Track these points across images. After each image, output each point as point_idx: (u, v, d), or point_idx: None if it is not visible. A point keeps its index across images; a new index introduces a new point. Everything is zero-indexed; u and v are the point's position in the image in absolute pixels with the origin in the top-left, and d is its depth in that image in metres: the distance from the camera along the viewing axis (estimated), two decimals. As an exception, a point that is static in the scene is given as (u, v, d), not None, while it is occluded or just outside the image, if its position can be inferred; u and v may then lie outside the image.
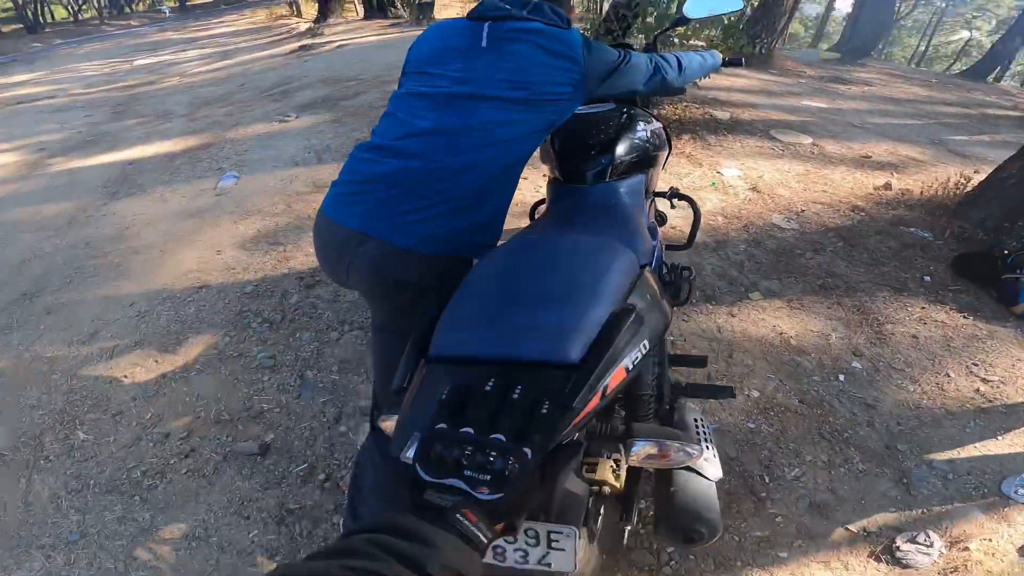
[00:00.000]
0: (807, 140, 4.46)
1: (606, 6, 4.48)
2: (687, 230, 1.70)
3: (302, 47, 9.38)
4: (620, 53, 1.25)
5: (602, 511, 1.05)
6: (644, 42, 4.21)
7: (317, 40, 10.40)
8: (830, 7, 22.91)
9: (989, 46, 13.03)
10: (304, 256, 2.85)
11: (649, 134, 1.48)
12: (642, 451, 0.90)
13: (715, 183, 3.61)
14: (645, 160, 1.45)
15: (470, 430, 0.68)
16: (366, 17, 13.86)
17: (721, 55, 1.61)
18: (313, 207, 3.31)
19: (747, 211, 3.28)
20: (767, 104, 5.47)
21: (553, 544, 0.81)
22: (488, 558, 0.83)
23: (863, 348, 2.34)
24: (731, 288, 2.64)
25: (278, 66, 8.08)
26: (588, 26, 4.36)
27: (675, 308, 1.50)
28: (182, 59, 12.40)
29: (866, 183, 3.74)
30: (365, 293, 1.29)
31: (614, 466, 0.97)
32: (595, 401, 0.76)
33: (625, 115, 1.49)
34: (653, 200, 1.64)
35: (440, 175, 1.13)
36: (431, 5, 10.23)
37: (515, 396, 0.71)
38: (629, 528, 1.07)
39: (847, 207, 3.39)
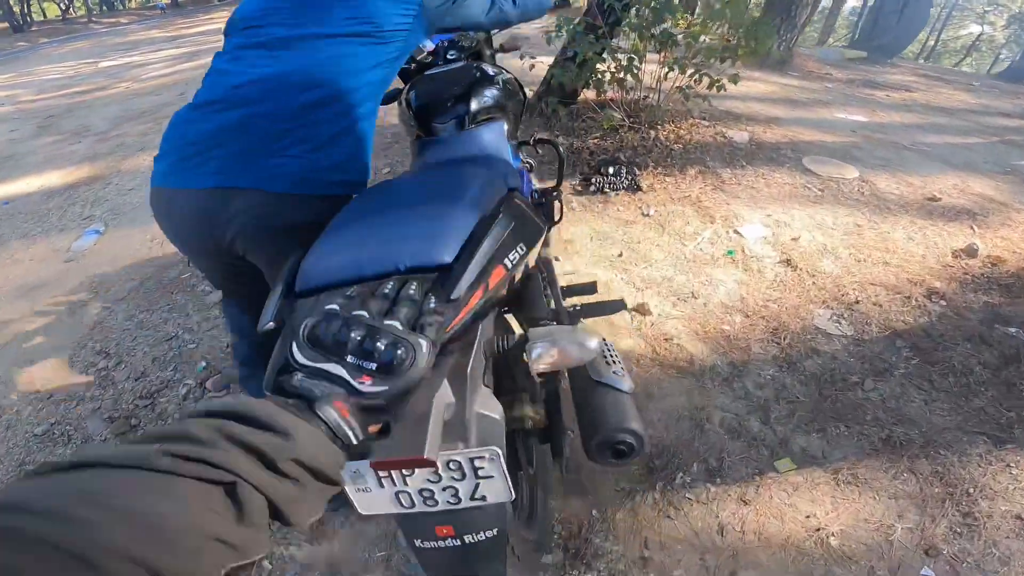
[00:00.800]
0: (852, 173, 3.44)
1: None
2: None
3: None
4: None
5: (534, 450, 1.11)
6: (636, 43, 3.41)
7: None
8: (840, -1, 21.75)
9: (1003, 41, 11.95)
10: (128, 380, 1.97)
11: (502, 83, 1.48)
12: (543, 354, 0.85)
13: (732, 251, 2.63)
14: (502, 107, 1.45)
15: (364, 313, 0.60)
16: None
17: None
18: (169, 287, 2.47)
19: (777, 303, 2.29)
20: (793, 118, 4.50)
21: (480, 472, 0.72)
22: (419, 506, 0.74)
23: (941, 543, 1.43)
24: (748, 452, 1.68)
25: None
26: (562, 26, 3.39)
27: (549, 228, 1.44)
28: (150, 60, 11.52)
29: (941, 246, 2.72)
30: (252, 252, 1.11)
31: (531, 400, 0.97)
32: (478, 295, 0.75)
33: (476, 69, 1.50)
34: (517, 145, 1.59)
35: (292, 115, 1.06)
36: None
37: (411, 291, 0.66)
38: (561, 460, 1.05)
39: (921, 291, 2.37)
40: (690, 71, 3.26)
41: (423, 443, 0.57)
